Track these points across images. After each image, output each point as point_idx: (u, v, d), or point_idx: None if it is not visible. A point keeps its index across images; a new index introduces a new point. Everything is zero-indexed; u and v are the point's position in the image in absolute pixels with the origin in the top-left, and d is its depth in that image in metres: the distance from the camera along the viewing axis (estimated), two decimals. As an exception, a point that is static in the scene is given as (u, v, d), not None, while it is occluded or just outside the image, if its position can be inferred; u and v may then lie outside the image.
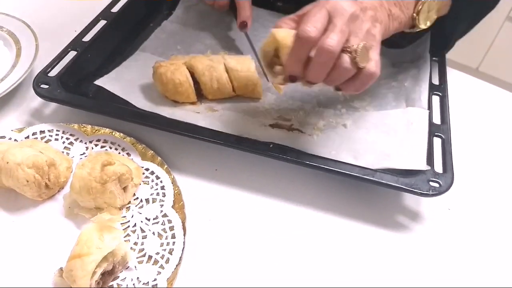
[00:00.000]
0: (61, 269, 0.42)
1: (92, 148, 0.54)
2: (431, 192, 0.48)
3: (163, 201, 0.49)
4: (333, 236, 0.49)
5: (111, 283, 0.42)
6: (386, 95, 0.62)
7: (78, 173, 0.46)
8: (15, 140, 0.53)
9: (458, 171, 0.51)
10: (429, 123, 0.56)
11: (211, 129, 0.54)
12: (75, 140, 0.55)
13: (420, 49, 0.68)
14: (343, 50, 0.44)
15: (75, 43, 0.63)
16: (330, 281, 0.46)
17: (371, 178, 0.49)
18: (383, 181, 0.49)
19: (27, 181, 0.46)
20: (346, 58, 0.44)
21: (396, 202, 0.53)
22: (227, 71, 0.58)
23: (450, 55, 0.73)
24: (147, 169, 0.52)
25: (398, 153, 0.53)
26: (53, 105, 0.60)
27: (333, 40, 0.43)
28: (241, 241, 0.48)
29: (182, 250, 0.45)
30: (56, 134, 0.55)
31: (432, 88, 0.62)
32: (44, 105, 0.60)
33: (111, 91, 0.59)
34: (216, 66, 0.58)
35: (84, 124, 0.56)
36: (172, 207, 0.49)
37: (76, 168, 0.47)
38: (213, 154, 0.55)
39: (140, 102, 0.58)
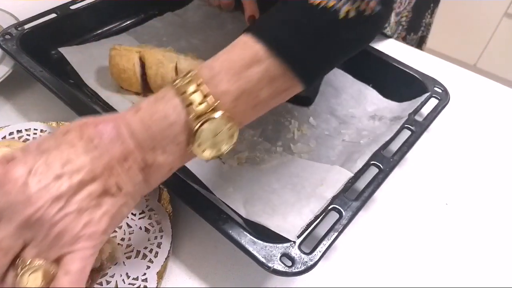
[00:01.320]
0: (47, 269, 0.42)
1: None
2: (274, 267, 0.38)
3: (148, 195, 0.49)
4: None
5: (99, 280, 0.42)
6: (336, 147, 0.55)
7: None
8: (-9, 141, 0.52)
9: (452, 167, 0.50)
10: (336, 195, 0.45)
11: None
12: (54, 138, 0.54)
13: (406, 110, 0.56)
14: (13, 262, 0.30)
15: (60, 8, 0.63)
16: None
17: (218, 224, 0.41)
18: (234, 237, 0.40)
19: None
20: (8, 277, 0.30)
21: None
22: (176, 71, 0.57)
23: (447, 51, 0.73)
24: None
25: (282, 212, 0.45)
26: (36, 104, 0.59)
27: None
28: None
29: (171, 244, 0.45)
30: (34, 133, 0.54)
31: (377, 158, 0.48)
32: (30, 103, 0.59)
33: (68, 60, 0.59)
34: (166, 63, 0.57)
35: (62, 122, 0.55)
36: (158, 201, 0.48)
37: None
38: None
39: (89, 78, 0.59)
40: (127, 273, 0.43)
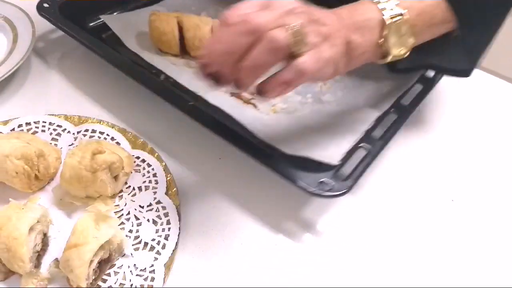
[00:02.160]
0: (56, 260, 0.42)
1: (81, 139, 0.53)
2: (315, 191, 0.44)
3: (156, 188, 0.49)
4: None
5: (108, 271, 0.42)
6: (360, 96, 0.59)
7: (68, 162, 0.45)
8: (0, 132, 0.52)
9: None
10: (367, 131, 0.51)
11: (168, 78, 0.57)
12: (63, 131, 0.54)
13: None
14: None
15: None
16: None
17: (262, 159, 0.47)
18: (272, 165, 0.47)
19: (17, 173, 0.45)
20: (280, 32, 0.37)
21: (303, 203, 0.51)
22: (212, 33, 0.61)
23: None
24: (138, 157, 0.52)
25: (323, 146, 0.51)
26: (45, 97, 0.60)
27: (262, 17, 0.37)
28: (236, 223, 0.48)
29: (178, 236, 0.45)
30: (43, 126, 0.54)
31: (397, 106, 0.55)
32: (36, 95, 0.59)
33: (110, 26, 0.63)
34: (203, 26, 0.62)
35: (71, 115, 0.55)
36: (166, 193, 0.48)
37: (66, 157, 0.46)
38: (204, 142, 0.55)
39: (130, 42, 0.63)
40: (134, 265, 0.43)
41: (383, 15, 0.45)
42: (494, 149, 0.59)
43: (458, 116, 0.62)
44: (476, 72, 0.66)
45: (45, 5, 0.61)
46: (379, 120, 0.53)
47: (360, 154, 0.49)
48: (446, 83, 0.62)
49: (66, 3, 0.63)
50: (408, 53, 0.47)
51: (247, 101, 0.58)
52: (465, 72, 0.56)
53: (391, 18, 0.45)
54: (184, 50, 0.63)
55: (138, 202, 0.48)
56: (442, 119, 0.55)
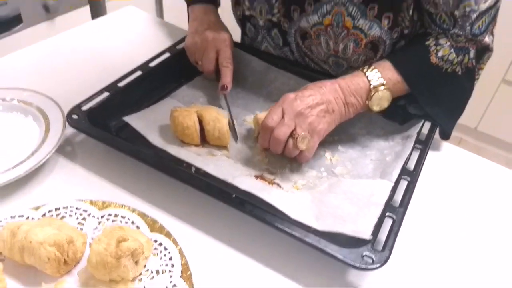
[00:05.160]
0: None
1: (104, 223, 0.59)
2: (361, 266, 0.51)
3: (172, 271, 0.54)
4: None
5: None
6: (368, 166, 0.69)
7: (94, 248, 0.50)
8: (32, 218, 0.58)
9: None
10: (387, 202, 0.59)
11: (198, 170, 0.65)
12: (88, 215, 0.59)
13: (411, 130, 0.73)
14: (291, 135, 0.63)
15: (110, 87, 0.74)
16: None
17: (305, 239, 0.53)
18: (316, 245, 0.53)
19: (49, 259, 0.50)
20: (290, 142, 0.64)
21: (341, 273, 0.57)
22: (229, 124, 0.72)
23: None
24: (155, 241, 0.57)
25: (351, 220, 0.58)
26: (72, 183, 0.66)
27: (281, 132, 0.63)
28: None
29: (193, 318, 0.49)
30: (70, 211, 0.60)
31: (405, 172, 0.64)
32: (65, 182, 0.66)
33: (134, 126, 0.71)
34: (221, 119, 0.70)
35: (95, 200, 0.61)
36: (181, 276, 0.53)
37: (93, 243, 0.51)
38: (217, 222, 0.61)
39: (155, 138, 0.70)
40: None
41: (371, 84, 0.67)
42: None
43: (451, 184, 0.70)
44: (455, 150, 0.75)
45: (74, 116, 0.68)
46: (393, 189, 0.62)
47: (386, 223, 0.56)
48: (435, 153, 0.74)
49: (92, 111, 0.70)
50: (386, 109, 0.69)
51: (271, 182, 0.65)
52: (447, 135, 0.76)
53: (375, 86, 0.67)
54: (204, 140, 0.71)
55: (156, 284, 0.52)
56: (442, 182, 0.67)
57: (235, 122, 0.75)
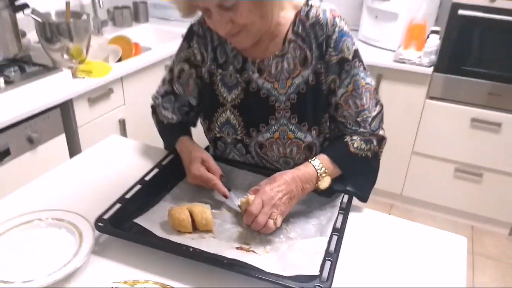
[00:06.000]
0: None
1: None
2: None
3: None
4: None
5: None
6: (311, 229, 0.98)
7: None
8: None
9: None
10: (326, 250, 0.89)
11: (196, 249, 0.89)
12: (124, 291, 0.83)
13: (336, 201, 1.05)
14: (270, 217, 0.93)
15: (120, 199, 1.01)
16: None
17: (278, 281, 0.81)
18: (286, 284, 0.80)
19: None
20: (270, 222, 0.93)
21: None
22: (211, 214, 0.98)
23: (380, 186, 1.25)
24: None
25: (305, 266, 0.85)
26: (103, 271, 0.89)
27: (263, 219, 0.93)
28: None
29: None
30: (111, 290, 0.83)
31: (335, 230, 0.94)
32: (99, 271, 0.88)
33: (143, 225, 0.96)
34: (206, 210, 0.98)
35: (127, 280, 0.85)
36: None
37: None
38: (213, 282, 0.86)
39: (158, 231, 0.95)
40: None
41: (318, 172, 1.01)
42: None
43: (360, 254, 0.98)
44: (385, 217, 1.08)
45: (100, 224, 0.93)
46: (329, 242, 0.91)
47: (327, 264, 0.84)
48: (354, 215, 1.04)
49: (111, 218, 0.95)
50: (328, 187, 1.02)
51: (248, 250, 0.92)
52: (365, 199, 1.09)
53: (321, 173, 1.01)
54: (194, 228, 0.96)
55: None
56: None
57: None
